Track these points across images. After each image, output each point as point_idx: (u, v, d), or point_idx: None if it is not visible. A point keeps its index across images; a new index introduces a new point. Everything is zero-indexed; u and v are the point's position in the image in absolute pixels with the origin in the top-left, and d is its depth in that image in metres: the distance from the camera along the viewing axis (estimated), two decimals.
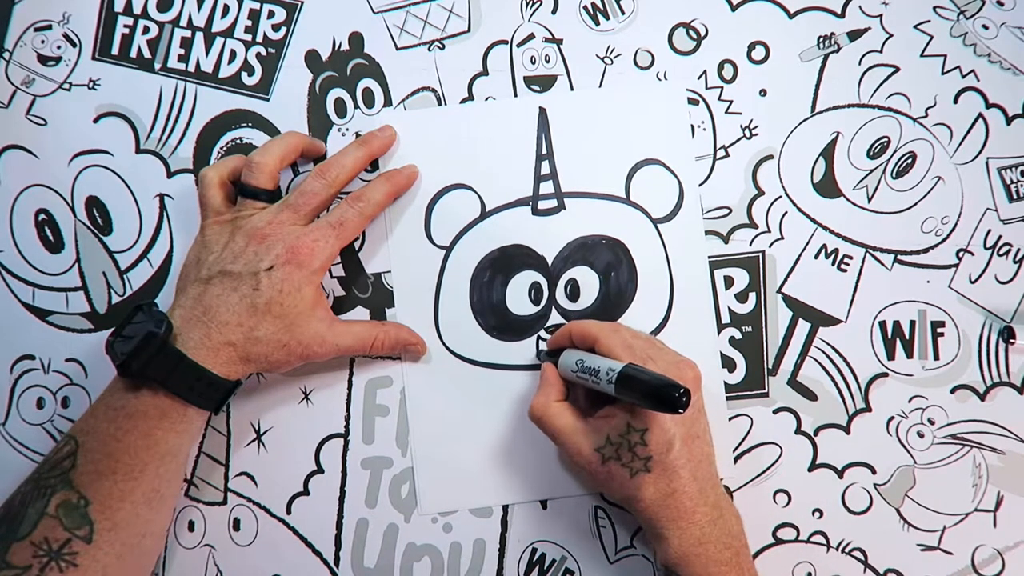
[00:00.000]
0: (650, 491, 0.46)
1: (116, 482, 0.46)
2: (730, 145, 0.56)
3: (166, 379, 0.47)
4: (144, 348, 0.46)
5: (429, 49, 0.57)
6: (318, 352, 0.51)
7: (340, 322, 0.52)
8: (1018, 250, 0.55)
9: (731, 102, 0.56)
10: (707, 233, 0.55)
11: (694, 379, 0.49)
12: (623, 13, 0.57)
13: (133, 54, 0.58)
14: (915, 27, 0.56)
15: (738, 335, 0.55)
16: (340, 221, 0.51)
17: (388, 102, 0.57)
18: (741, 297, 0.55)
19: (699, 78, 0.56)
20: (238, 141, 0.57)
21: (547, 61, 0.57)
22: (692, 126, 0.56)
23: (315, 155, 0.56)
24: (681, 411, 0.41)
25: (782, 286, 0.55)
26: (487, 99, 0.56)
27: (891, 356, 0.55)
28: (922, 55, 0.56)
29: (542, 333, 0.55)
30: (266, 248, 0.49)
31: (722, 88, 0.56)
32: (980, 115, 0.56)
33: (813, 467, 0.54)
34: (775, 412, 0.54)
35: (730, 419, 0.54)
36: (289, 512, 0.54)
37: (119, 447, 0.46)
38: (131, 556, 0.47)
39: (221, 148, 0.57)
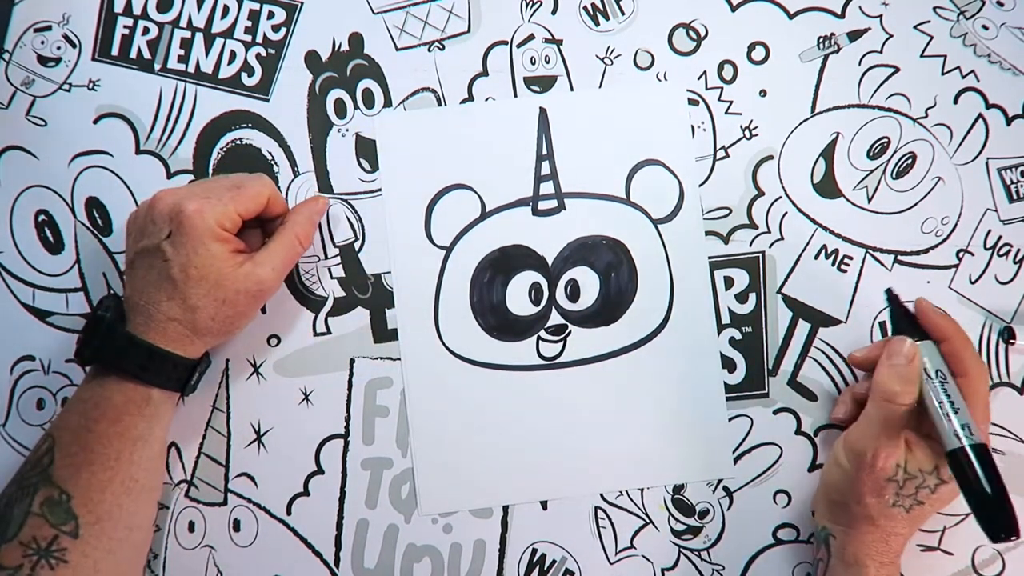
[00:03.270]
0: (889, 525, 0.46)
1: (93, 473, 0.46)
2: (730, 145, 0.56)
3: (120, 362, 0.47)
4: (92, 333, 0.47)
5: (429, 50, 0.57)
6: (261, 290, 0.49)
7: (261, 250, 0.50)
8: (1018, 250, 0.55)
9: (731, 102, 0.56)
10: (707, 233, 0.55)
11: None
12: (623, 13, 0.57)
13: (133, 55, 0.58)
14: (915, 27, 0.56)
15: (738, 335, 0.55)
16: (239, 184, 0.50)
17: (388, 102, 0.57)
18: (741, 297, 0.55)
19: (699, 78, 0.56)
20: (238, 142, 0.57)
21: (547, 62, 0.57)
22: (692, 126, 0.56)
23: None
24: (1003, 539, 0.40)
25: (782, 286, 0.55)
26: (487, 99, 0.56)
27: None
28: (922, 55, 0.56)
29: (542, 333, 0.55)
30: (157, 214, 0.48)
31: (722, 88, 0.56)
32: (980, 115, 0.56)
33: (813, 467, 0.54)
34: (775, 412, 0.54)
35: (730, 419, 0.54)
36: (289, 513, 0.54)
37: (91, 437, 0.47)
38: (121, 550, 0.47)
39: (221, 149, 0.57)
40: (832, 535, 0.49)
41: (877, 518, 0.46)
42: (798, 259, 0.55)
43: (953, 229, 0.55)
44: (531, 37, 0.57)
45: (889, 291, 0.49)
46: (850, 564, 0.47)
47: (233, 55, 0.58)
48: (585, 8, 0.57)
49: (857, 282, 0.55)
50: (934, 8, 0.57)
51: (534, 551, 0.54)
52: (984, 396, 0.46)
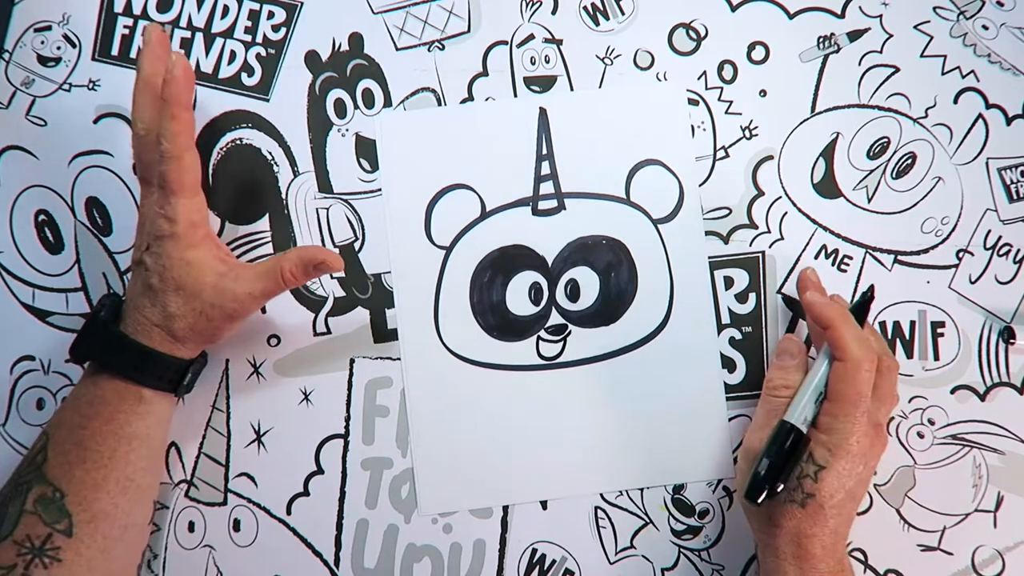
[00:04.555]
0: (791, 524, 0.45)
1: (87, 471, 0.46)
2: (730, 145, 0.56)
3: (113, 361, 0.48)
4: (87, 332, 0.48)
5: (429, 49, 0.57)
6: (237, 309, 0.49)
7: (244, 268, 0.50)
8: (1018, 250, 0.55)
9: (731, 102, 0.56)
10: (707, 233, 0.55)
11: (881, 449, 0.47)
12: (623, 13, 0.57)
13: (133, 55, 0.58)
14: (915, 27, 0.56)
15: (738, 335, 0.55)
16: (161, 178, 0.48)
17: (388, 102, 0.57)
18: (741, 297, 0.55)
19: (699, 78, 0.56)
20: (238, 142, 0.57)
21: (547, 62, 0.57)
22: (692, 126, 0.56)
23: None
24: (752, 503, 0.45)
25: (782, 286, 0.55)
26: (487, 99, 0.56)
27: None
28: (922, 55, 0.56)
29: (542, 333, 0.55)
30: (139, 229, 0.50)
31: (722, 88, 0.56)
32: (980, 115, 0.56)
33: None
34: None
35: (730, 419, 0.54)
36: (289, 513, 0.54)
37: (85, 435, 0.47)
38: (115, 549, 0.47)
39: (221, 148, 0.57)
40: (756, 543, 0.49)
41: (777, 518, 0.46)
42: (798, 259, 0.55)
43: (953, 229, 0.55)
44: (531, 37, 0.57)
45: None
46: (770, 571, 0.47)
47: (233, 55, 0.58)
48: (585, 8, 0.57)
49: (857, 282, 0.55)
50: (934, 8, 0.57)
51: (534, 551, 0.54)
52: (856, 382, 0.45)
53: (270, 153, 0.57)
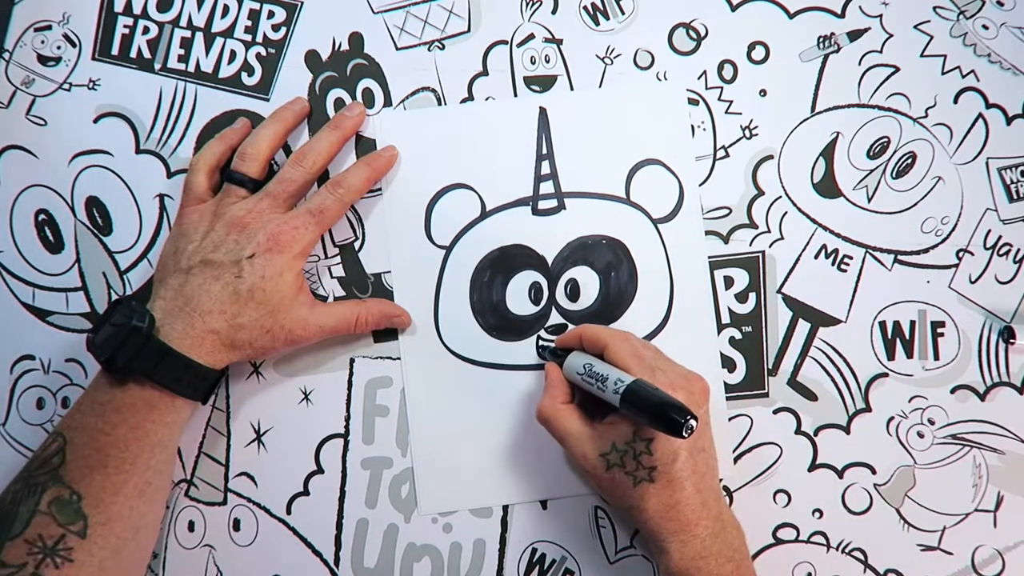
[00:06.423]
0: (652, 501, 0.46)
1: (108, 476, 0.46)
2: (730, 145, 0.56)
3: (153, 372, 0.47)
4: (129, 343, 0.47)
5: (429, 49, 0.57)
6: (302, 336, 0.51)
7: (321, 304, 0.53)
8: (1018, 250, 0.55)
9: (731, 102, 0.56)
10: (707, 233, 0.55)
11: (702, 392, 0.49)
12: (623, 13, 0.57)
13: (133, 54, 0.58)
14: (915, 27, 0.56)
15: (738, 335, 0.55)
16: (320, 208, 0.52)
17: (388, 102, 0.57)
18: (741, 297, 0.55)
19: (699, 78, 0.56)
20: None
21: (547, 61, 0.57)
22: (692, 126, 0.56)
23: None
24: (686, 435, 0.41)
25: (782, 286, 0.55)
26: (487, 99, 0.56)
27: (891, 356, 0.55)
28: (922, 55, 0.56)
29: (542, 332, 0.55)
30: (247, 236, 0.50)
31: (722, 88, 0.56)
32: (980, 115, 0.56)
33: (813, 467, 0.54)
34: (775, 412, 0.54)
35: (730, 419, 0.54)
36: (289, 512, 0.55)
37: (108, 441, 0.46)
38: (127, 549, 0.47)
39: None
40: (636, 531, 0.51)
41: (640, 503, 0.47)
42: (798, 259, 0.55)
43: (953, 229, 0.55)
44: (531, 37, 0.57)
45: (546, 352, 0.54)
46: (661, 560, 0.47)
47: (233, 55, 0.58)
48: (585, 8, 0.57)
49: (857, 282, 0.55)
50: (934, 8, 0.57)
51: (534, 551, 0.54)
52: (625, 349, 0.48)
53: None
